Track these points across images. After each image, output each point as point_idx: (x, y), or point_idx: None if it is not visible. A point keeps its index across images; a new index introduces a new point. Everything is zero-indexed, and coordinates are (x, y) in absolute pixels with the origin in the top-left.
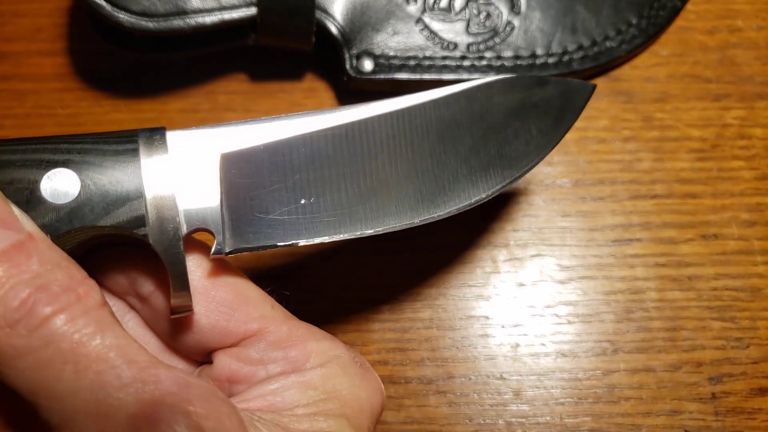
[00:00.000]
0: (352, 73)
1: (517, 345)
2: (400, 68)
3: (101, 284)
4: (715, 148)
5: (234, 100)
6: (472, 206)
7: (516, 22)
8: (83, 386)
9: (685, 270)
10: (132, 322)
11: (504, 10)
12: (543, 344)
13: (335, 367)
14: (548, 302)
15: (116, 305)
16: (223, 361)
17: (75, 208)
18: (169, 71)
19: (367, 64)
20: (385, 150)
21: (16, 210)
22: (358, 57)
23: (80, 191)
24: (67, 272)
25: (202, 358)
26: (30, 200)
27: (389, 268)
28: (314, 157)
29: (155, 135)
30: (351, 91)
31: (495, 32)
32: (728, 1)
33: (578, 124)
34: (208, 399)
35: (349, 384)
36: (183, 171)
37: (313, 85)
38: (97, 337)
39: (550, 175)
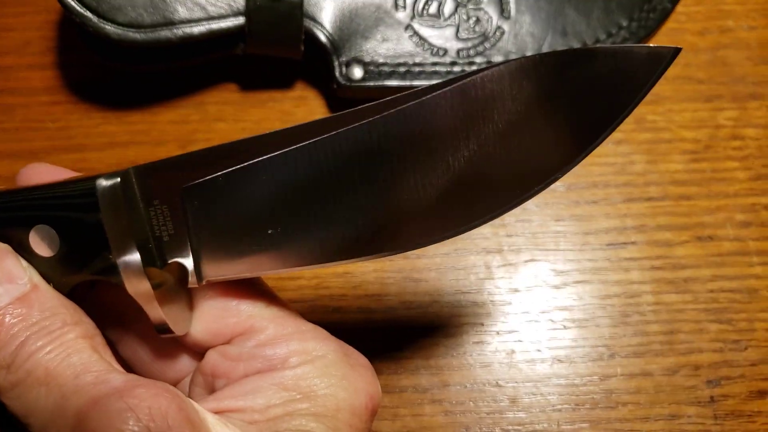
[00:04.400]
0: (341, 80)
1: (513, 351)
2: (390, 75)
3: (112, 307)
4: (708, 149)
5: (224, 111)
6: (488, 221)
7: (506, 26)
8: (51, 400)
9: (681, 272)
10: (147, 332)
11: (494, 15)
12: (539, 350)
13: (314, 367)
14: (543, 308)
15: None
16: (209, 356)
17: (60, 260)
18: (158, 82)
19: (357, 72)
20: (368, 164)
21: (23, 263)
22: (348, 64)
23: (60, 245)
24: (60, 318)
25: (202, 352)
26: (25, 252)
27: (381, 276)
28: (282, 179)
29: (111, 181)
30: (341, 99)
31: (485, 37)
32: (719, 2)
33: None
34: (153, 393)
35: (326, 384)
36: (148, 210)
37: (303, 93)
38: (66, 360)
39: None
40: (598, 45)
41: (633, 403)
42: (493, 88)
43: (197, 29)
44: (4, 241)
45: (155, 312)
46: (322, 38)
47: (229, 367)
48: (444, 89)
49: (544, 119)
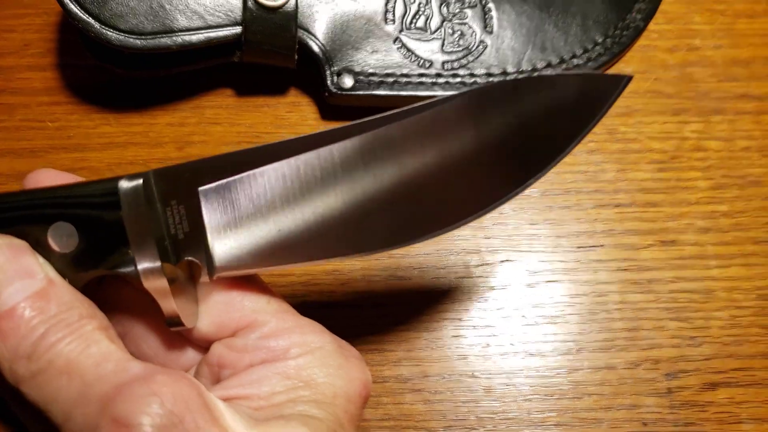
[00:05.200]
0: (333, 89)
1: (488, 345)
2: (379, 85)
3: (119, 302)
4: (674, 160)
5: (220, 114)
6: (460, 225)
7: (488, 41)
8: (74, 387)
9: (645, 274)
10: (151, 318)
11: (477, 29)
12: (512, 344)
13: (314, 358)
14: (517, 305)
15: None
16: (215, 348)
17: (77, 256)
18: (156, 86)
19: (348, 81)
20: (364, 172)
21: (40, 259)
22: (339, 74)
23: (78, 241)
24: (77, 311)
25: (206, 345)
26: (42, 249)
27: (368, 274)
28: (288, 185)
29: (134, 181)
30: (332, 106)
31: (468, 51)
32: (688, 21)
33: None
34: (173, 379)
35: (325, 373)
36: (165, 210)
37: (296, 99)
38: (85, 351)
39: None
40: (558, 72)
41: (597, 394)
42: (452, 115)
43: (196, 37)
44: (22, 238)
45: (169, 305)
46: (315, 48)
47: (234, 357)
48: (412, 116)
49: (501, 143)
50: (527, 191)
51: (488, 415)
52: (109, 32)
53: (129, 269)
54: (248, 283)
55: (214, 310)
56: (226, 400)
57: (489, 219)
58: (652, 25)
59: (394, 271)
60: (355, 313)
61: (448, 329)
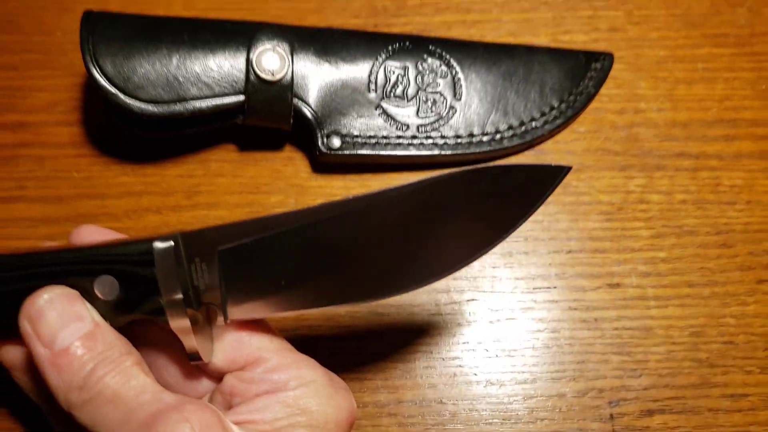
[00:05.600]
0: (323, 148)
1: (455, 375)
2: (363, 145)
3: (147, 339)
4: (620, 211)
5: (224, 167)
6: (432, 283)
7: (457, 106)
8: (118, 414)
9: (593, 313)
10: (173, 350)
11: (448, 96)
12: (475, 374)
13: (308, 389)
14: (480, 339)
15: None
16: (227, 380)
17: (117, 303)
18: (168, 141)
19: (336, 142)
20: (351, 240)
21: (87, 306)
22: (328, 136)
23: (119, 291)
24: (117, 349)
25: (219, 377)
26: (89, 297)
27: (351, 311)
28: (290, 248)
29: (165, 243)
30: (322, 162)
31: (440, 116)
32: (634, 87)
33: None
34: (199, 408)
35: (317, 402)
36: (190, 265)
37: (291, 155)
38: (126, 383)
39: None
40: (511, 163)
41: (549, 418)
42: (448, 186)
43: (205, 104)
44: (73, 287)
45: (190, 343)
46: (308, 114)
47: (244, 388)
48: (390, 195)
49: (462, 220)
50: None
51: None
52: (131, 102)
53: (159, 315)
54: (255, 324)
55: (227, 347)
56: (237, 424)
57: None
58: (602, 90)
59: (374, 308)
60: (338, 345)
61: (420, 360)
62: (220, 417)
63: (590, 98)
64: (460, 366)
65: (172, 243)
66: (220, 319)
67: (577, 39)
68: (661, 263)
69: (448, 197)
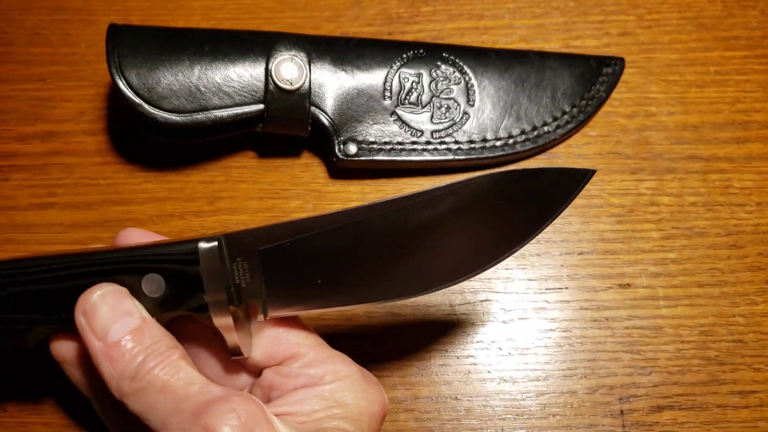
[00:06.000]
0: (339, 155)
1: (469, 372)
2: (378, 151)
3: (188, 336)
4: (631, 213)
5: (244, 173)
6: (456, 284)
7: (471, 112)
8: (169, 403)
9: (604, 312)
10: (214, 345)
11: (461, 102)
12: (489, 372)
13: (344, 383)
14: (494, 338)
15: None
16: (266, 374)
17: (163, 300)
18: (191, 148)
19: (352, 148)
20: (384, 241)
21: (135, 302)
22: (345, 142)
23: (165, 289)
24: (164, 343)
25: (259, 371)
26: (136, 294)
27: (369, 311)
28: (327, 248)
29: (210, 243)
30: (339, 168)
31: (453, 121)
32: (645, 90)
33: None
34: (244, 399)
35: (352, 396)
36: (232, 265)
37: (309, 161)
38: (175, 375)
39: None
40: (541, 167)
41: (561, 414)
42: (478, 189)
43: (226, 113)
44: (121, 285)
45: (232, 339)
46: (325, 122)
47: (282, 382)
48: (424, 197)
49: (492, 220)
50: None
51: None
52: (156, 112)
53: (203, 311)
54: (292, 321)
55: (266, 343)
56: (277, 416)
57: None
58: (614, 94)
59: (390, 309)
60: (357, 344)
61: (436, 358)
62: (264, 408)
63: (602, 102)
64: (474, 364)
65: (216, 243)
66: (260, 316)
67: (589, 44)
68: (671, 264)
69: (480, 199)
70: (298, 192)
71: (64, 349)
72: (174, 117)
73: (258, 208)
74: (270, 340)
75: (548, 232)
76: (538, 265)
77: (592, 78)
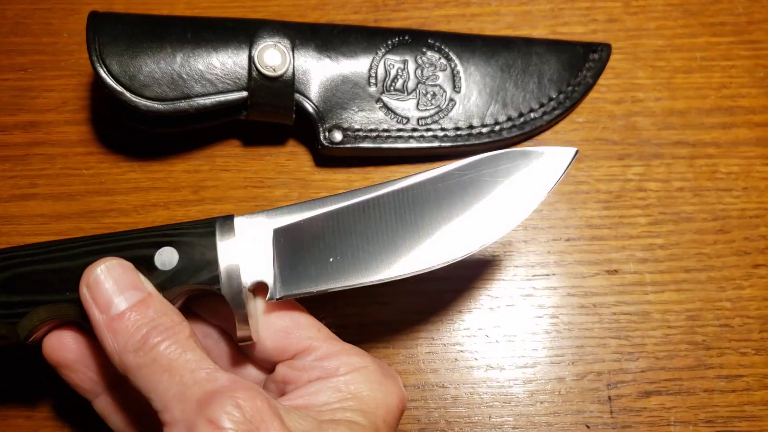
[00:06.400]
0: (325, 142)
1: (456, 360)
2: (364, 138)
3: (201, 320)
4: (618, 199)
5: (229, 162)
6: (456, 261)
7: (457, 99)
8: (173, 384)
9: (591, 299)
10: (222, 343)
11: (447, 89)
12: (476, 359)
13: (359, 375)
14: (481, 325)
15: (213, 332)
16: (280, 369)
17: (175, 273)
18: (175, 138)
19: (337, 136)
20: (392, 218)
21: (141, 277)
22: (330, 130)
23: (178, 262)
24: (170, 318)
25: (270, 367)
26: (148, 268)
27: (356, 299)
28: (338, 227)
29: (226, 221)
30: (325, 156)
31: (440, 108)
32: (632, 76)
33: None
34: (249, 391)
35: (368, 388)
36: (246, 242)
37: (294, 150)
38: (182, 355)
39: None
40: (531, 148)
41: (549, 401)
42: (474, 170)
43: (209, 101)
44: (135, 260)
45: (242, 313)
46: (310, 109)
47: (295, 375)
48: (447, 170)
49: (493, 197)
50: None
51: (456, 420)
52: (137, 100)
53: (214, 284)
54: (303, 316)
55: (277, 337)
56: (293, 408)
57: None
58: (601, 80)
59: (376, 297)
60: (342, 333)
61: (423, 346)
62: (270, 402)
63: (588, 89)
64: (462, 351)
65: (232, 220)
66: (270, 296)
67: (576, 30)
68: (658, 249)
69: (481, 176)
70: (284, 180)
71: (57, 354)
72: (156, 105)
73: (243, 197)
74: (281, 335)
75: (535, 219)
76: (525, 252)
77: (578, 64)
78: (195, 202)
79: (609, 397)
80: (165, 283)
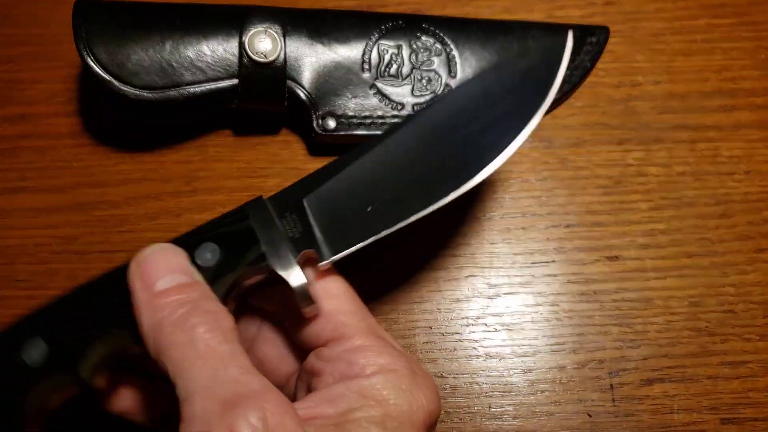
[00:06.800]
0: (318, 130)
1: (455, 349)
2: (358, 126)
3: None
4: (618, 184)
5: (221, 152)
6: (493, 169)
7: (452, 84)
8: (204, 374)
9: (592, 286)
10: (264, 335)
11: (443, 74)
12: (475, 348)
13: (386, 379)
14: (479, 314)
15: (262, 326)
16: (310, 358)
17: (220, 265)
18: (166, 128)
19: (331, 123)
20: (416, 149)
21: (192, 267)
22: (323, 117)
23: (220, 254)
24: (213, 303)
25: (306, 350)
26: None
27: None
28: (367, 176)
29: (257, 203)
30: (318, 144)
31: (435, 94)
32: (631, 60)
33: (504, 167)
34: (280, 404)
35: (395, 395)
36: (281, 221)
37: (287, 138)
38: (221, 345)
39: (482, 210)
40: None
41: (549, 390)
42: (481, 84)
43: (199, 89)
44: None
45: (298, 279)
46: (302, 96)
47: (321, 366)
48: (458, 92)
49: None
50: (488, 215)
51: (455, 410)
52: (126, 88)
53: (261, 262)
54: (350, 303)
55: (315, 319)
56: (311, 418)
57: (455, 240)
58: (599, 64)
59: (372, 285)
60: None
61: (420, 336)
62: (300, 424)
63: (586, 73)
64: (460, 341)
65: (260, 200)
66: (319, 263)
67: (573, 14)
68: (660, 235)
69: (491, 86)
70: (277, 170)
71: (123, 404)
72: (145, 94)
73: (236, 187)
74: (321, 318)
75: (534, 206)
76: (524, 239)
77: (576, 47)
78: (187, 193)
79: (611, 386)
80: (213, 276)
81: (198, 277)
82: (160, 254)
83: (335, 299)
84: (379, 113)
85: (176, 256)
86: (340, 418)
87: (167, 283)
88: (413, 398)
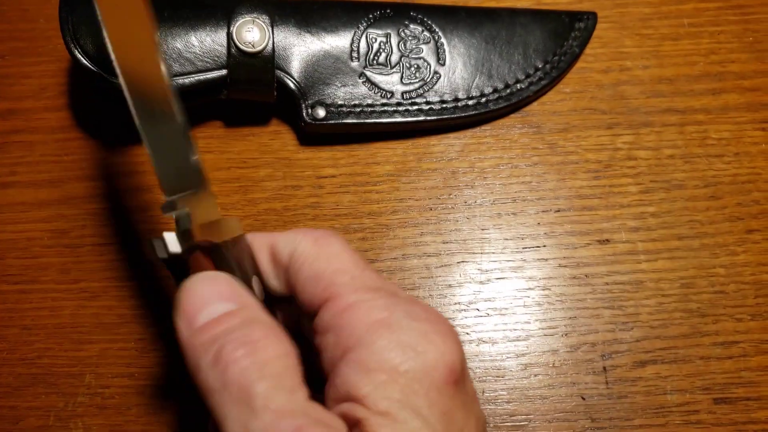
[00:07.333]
0: (308, 119)
1: None
2: (348, 114)
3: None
4: (607, 168)
5: (211, 143)
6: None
7: (441, 71)
8: (238, 423)
9: (583, 269)
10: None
11: (432, 62)
12: (467, 333)
13: (389, 340)
14: (471, 299)
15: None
16: (314, 336)
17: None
18: None
19: (320, 112)
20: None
21: (240, 289)
22: (313, 106)
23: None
24: (256, 329)
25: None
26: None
27: None
28: None
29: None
30: (309, 134)
31: (424, 81)
32: (619, 45)
33: (494, 153)
34: None
35: (402, 356)
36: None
37: (277, 129)
38: (255, 385)
39: (472, 197)
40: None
41: (542, 374)
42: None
43: (188, 80)
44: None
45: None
46: (291, 85)
47: (319, 341)
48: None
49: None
50: (479, 201)
51: None
52: (115, 81)
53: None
54: (342, 258)
55: (306, 283)
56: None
57: (446, 227)
58: (588, 49)
59: None
60: None
61: None
62: None
63: (575, 58)
64: (452, 326)
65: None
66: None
67: (560, 0)
68: (650, 218)
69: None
70: (267, 160)
71: None
72: None
73: (226, 178)
74: (309, 281)
75: (524, 191)
76: (515, 224)
77: (564, 33)
78: None
79: (604, 368)
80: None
81: (247, 298)
82: (205, 283)
83: (328, 258)
84: (369, 101)
85: (217, 282)
86: (361, 413)
87: (207, 316)
88: (424, 355)
